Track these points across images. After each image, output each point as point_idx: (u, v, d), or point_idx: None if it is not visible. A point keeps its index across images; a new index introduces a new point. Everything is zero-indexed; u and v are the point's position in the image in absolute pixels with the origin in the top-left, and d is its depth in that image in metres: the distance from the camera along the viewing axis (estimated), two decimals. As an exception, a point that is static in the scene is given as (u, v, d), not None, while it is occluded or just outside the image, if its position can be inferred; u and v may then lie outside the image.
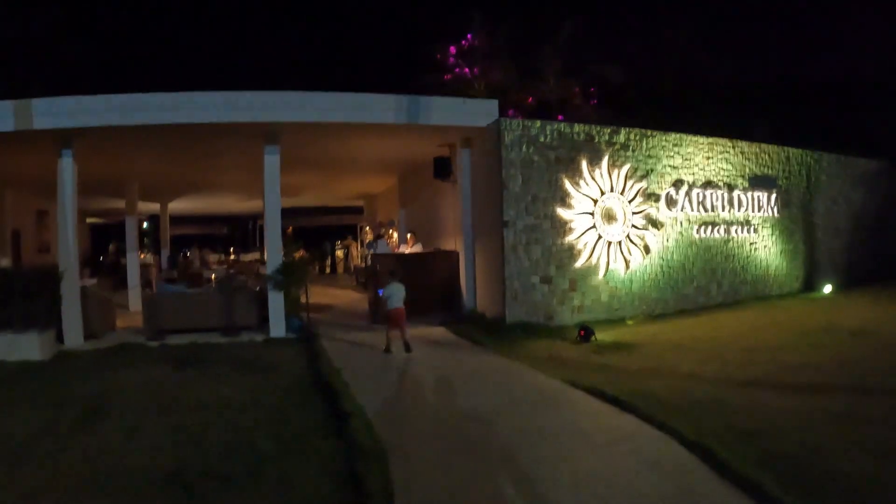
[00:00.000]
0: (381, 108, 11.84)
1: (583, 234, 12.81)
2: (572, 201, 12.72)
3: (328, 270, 31.43)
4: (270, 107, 11.49)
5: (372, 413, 7.14)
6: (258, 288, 13.40)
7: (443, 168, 13.93)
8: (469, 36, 24.37)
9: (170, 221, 31.77)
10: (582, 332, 11.31)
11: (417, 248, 15.33)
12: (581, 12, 23.79)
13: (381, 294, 11.43)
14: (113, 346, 11.71)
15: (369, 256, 15.52)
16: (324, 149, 14.48)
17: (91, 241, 32.58)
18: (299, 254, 38.41)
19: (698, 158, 14.93)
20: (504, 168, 12.06)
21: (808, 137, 19.11)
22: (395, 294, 10.87)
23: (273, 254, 12.44)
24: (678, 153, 14.50)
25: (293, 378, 9.25)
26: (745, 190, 15.88)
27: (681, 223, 14.56)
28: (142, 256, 27.89)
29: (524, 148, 12.28)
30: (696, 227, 14.82)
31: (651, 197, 13.97)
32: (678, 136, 14.55)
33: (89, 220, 30.60)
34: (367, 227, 22.51)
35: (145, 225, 33.06)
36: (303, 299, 13.14)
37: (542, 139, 12.47)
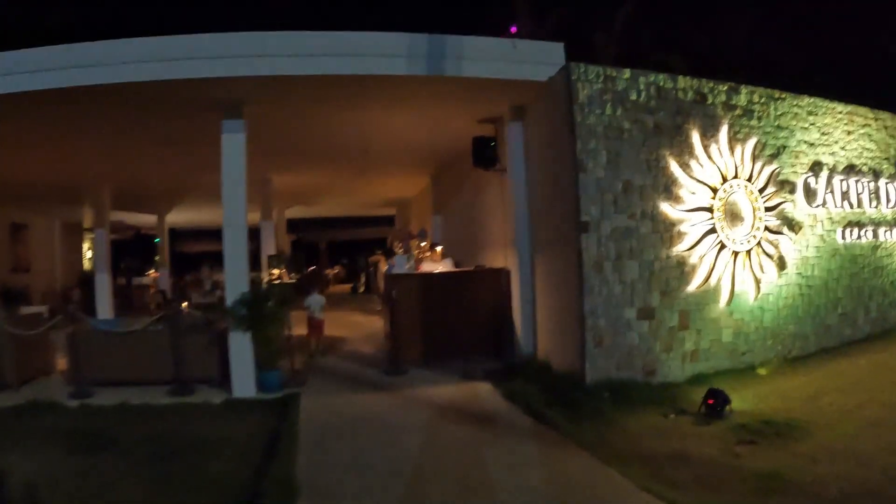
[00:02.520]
0: (388, 51, 7.61)
1: (698, 241, 8.32)
2: (682, 192, 8.29)
3: (362, 289, 27.56)
4: (220, 55, 7.40)
5: None
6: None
7: (485, 152, 9.67)
8: (514, 28, 20.71)
9: (186, 237, 28.55)
10: (710, 401, 6.90)
11: (448, 266, 11.07)
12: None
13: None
14: (21, 405, 8.08)
15: (383, 278, 11.25)
16: (315, 128, 10.30)
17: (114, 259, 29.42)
18: (333, 271, 34.78)
19: (837, 133, 10.37)
20: (580, 140, 7.65)
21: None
22: (313, 305, 11.12)
23: (235, 277, 8.32)
24: (814, 125, 9.96)
25: (224, 495, 5.18)
26: (891, 178, 11.26)
27: (822, 223, 10.02)
28: (153, 275, 24.51)
29: (609, 110, 7.86)
30: (839, 228, 10.26)
31: (784, 186, 9.47)
32: (812, 100, 10.00)
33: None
34: (396, 241, 18.29)
35: (158, 240, 29.59)
36: (286, 337, 8.99)
37: (633, 97, 8.05)
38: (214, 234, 30.59)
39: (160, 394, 8.50)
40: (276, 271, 13.06)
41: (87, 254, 26.76)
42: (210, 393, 8.49)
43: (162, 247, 20.62)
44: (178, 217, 22.31)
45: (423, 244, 13.58)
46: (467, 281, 10.36)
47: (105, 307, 14.27)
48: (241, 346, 8.23)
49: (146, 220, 21.21)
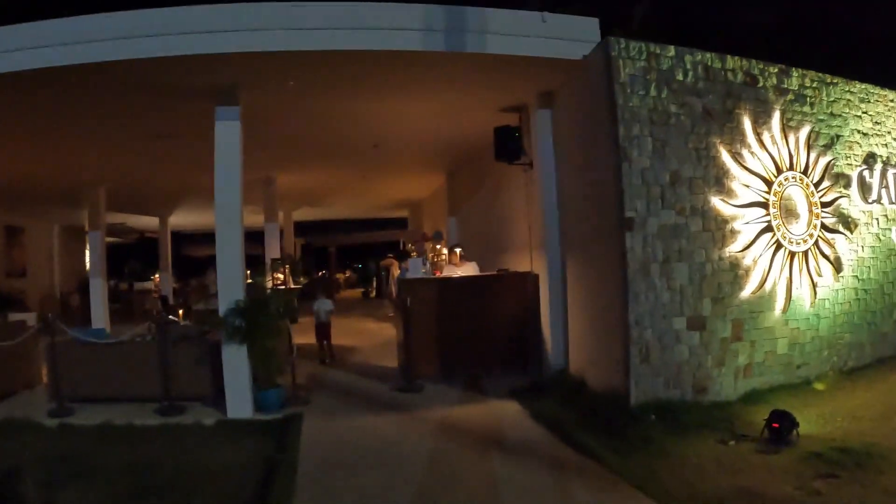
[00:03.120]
0: (400, 24, 6.61)
1: (753, 240, 7.28)
2: (734, 185, 7.25)
3: (373, 295, 26.64)
4: (208, 29, 6.42)
5: None
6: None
7: (508, 143, 8.64)
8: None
9: (193, 241, 27.80)
10: (775, 425, 5.87)
11: (469, 270, 10.08)
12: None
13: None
14: (-7, 424, 7.14)
15: (395, 283, 10.19)
16: (320, 119, 9.29)
17: (109, 262, 28.52)
18: (344, 276, 33.70)
19: (890, 123, 9.26)
20: (622, 125, 6.60)
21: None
22: (321, 309, 10.83)
23: (229, 282, 7.34)
24: (866, 113, 8.88)
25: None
26: (945, 173, 10.17)
27: (877, 221, 8.96)
28: (156, 280, 23.66)
29: (653, 91, 6.82)
30: (895, 227, 9.22)
31: (840, 179, 8.42)
32: (864, 87, 8.90)
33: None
34: (410, 244, 17.22)
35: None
36: (288, 349, 7.98)
37: (679, 77, 7.01)
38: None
39: (147, 412, 7.56)
40: (280, 276, 12.10)
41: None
42: (202, 412, 7.52)
43: (164, 250, 19.68)
44: (183, 220, 21.43)
45: (438, 246, 12.51)
46: (489, 286, 9.26)
47: (100, 314, 13.33)
48: (235, 361, 7.23)
49: (148, 222, 20.30)
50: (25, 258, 18.23)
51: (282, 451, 6.00)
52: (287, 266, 12.33)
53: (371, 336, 13.56)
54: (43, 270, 19.45)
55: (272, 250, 13.61)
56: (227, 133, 7.34)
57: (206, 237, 29.21)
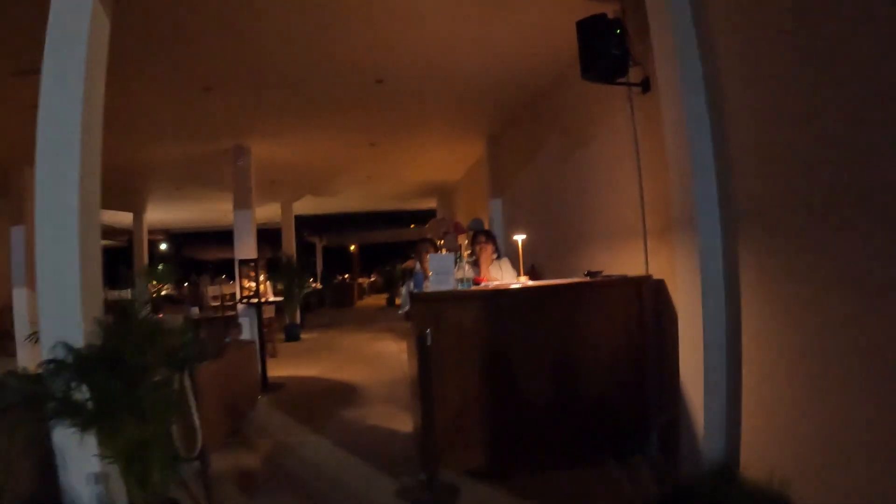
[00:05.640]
0: None
1: None
2: None
3: (399, 302, 23.21)
4: None
5: None
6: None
7: (604, 47, 4.94)
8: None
9: (198, 241, 25.65)
10: None
11: (500, 275, 6.29)
12: None
13: None
14: None
15: (407, 297, 6.30)
16: (287, 21, 5.70)
17: (104, 267, 25.61)
18: (367, 280, 30.39)
19: None
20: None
21: None
22: None
23: (53, 307, 3.75)
24: None
25: None
26: None
27: None
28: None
29: None
30: None
31: None
32: None
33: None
34: (436, 236, 13.45)
35: (163, 246, 25.47)
36: (191, 431, 4.32)
37: None
38: (227, 237, 26.79)
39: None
40: (251, 284, 8.59)
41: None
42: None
43: (139, 251, 16.35)
44: (166, 215, 18.21)
45: (478, 245, 8.61)
46: (572, 304, 5.08)
47: (25, 331, 10.12)
48: (77, 462, 3.68)
49: (123, 219, 16.96)
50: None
51: None
52: (261, 271, 8.76)
53: (385, 365, 9.98)
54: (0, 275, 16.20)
55: (244, 249, 9.93)
56: (72, 8, 3.79)
57: (212, 236, 26.20)
